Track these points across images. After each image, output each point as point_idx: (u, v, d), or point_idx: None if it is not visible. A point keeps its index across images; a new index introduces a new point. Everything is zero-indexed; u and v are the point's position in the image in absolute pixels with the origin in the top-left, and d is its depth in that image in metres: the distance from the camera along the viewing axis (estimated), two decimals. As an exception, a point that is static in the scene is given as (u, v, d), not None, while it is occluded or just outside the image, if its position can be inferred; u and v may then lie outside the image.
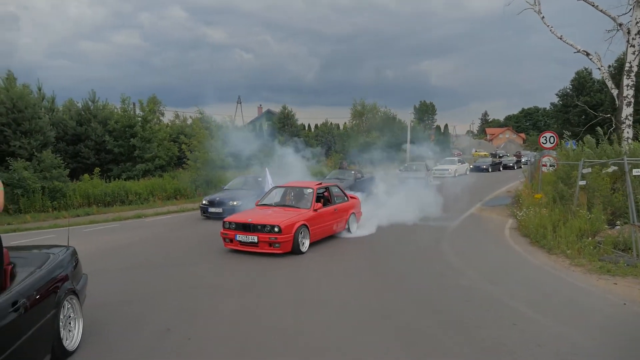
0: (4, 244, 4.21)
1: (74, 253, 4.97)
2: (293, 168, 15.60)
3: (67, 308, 4.41)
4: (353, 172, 18.60)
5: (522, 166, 36.12)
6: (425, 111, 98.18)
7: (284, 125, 42.67)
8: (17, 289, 3.66)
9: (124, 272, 7.72)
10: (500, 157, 46.03)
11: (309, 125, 51.56)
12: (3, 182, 13.64)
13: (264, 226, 8.54)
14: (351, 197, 11.35)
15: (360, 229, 11.17)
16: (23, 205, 14.96)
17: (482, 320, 5.34)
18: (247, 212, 9.54)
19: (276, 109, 47.48)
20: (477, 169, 35.35)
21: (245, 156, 18.23)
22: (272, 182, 11.20)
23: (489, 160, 40.01)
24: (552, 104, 44.16)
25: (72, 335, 4.45)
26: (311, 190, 9.99)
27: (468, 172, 32.75)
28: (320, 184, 10.71)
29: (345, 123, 48.47)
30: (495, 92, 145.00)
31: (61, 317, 4.22)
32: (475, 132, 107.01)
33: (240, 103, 67.90)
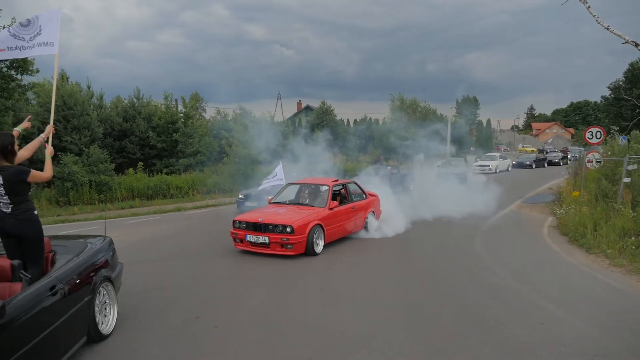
0: (49, 234, 4.55)
1: (111, 243, 5.27)
2: (325, 164, 15.67)
3: (103, 294, 4.70)
4: (389, 167, 18.46)
5: (568, 162, 34.80)
6: (468, 105, 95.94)
7: (322, 121, 42.88)
8: (55, 275, 3.95)
9: (159, 262, 8.08)
10: (545, 152, 44.47)
11: (347, 120, 51.59)
12: (55, 176, 14.36)
13: (275, 226, 8.22)
14: (370, 195, 10.95)
15: (390, 225, 10.91)
16: (72, 197, 15.81)
17: (507, 319, 5.27)
18: (259, 211, 9.25)
19: (315, 104, 47.68)
20: (520, 165, 34.31)
21: (281, 151, 18.48)
22: (284, 177, 10.83)
23: (533, 156, 38.72)
24: (603, 97, 42.12)
25: (107, 320, 4.74)
26: (327, 188, 9.62)
27: (510, 169, 31.85)
28: (337, 180, 10.26)
29: (384, 118, 48.16)
30: (543, 85, 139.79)
31: (97, 302, 4.51)
32: (521, 126, 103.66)
33: (281, 99, 68.58)
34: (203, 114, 40.85)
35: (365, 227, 10.37)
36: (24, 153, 4.43)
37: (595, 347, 4.50)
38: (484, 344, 4.59)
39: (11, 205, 4.12)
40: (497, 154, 32.91)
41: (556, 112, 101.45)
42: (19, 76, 16.29)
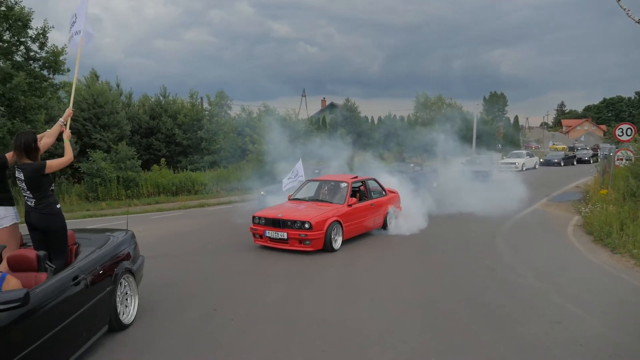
0: (73, 228, 4.74)
1: (133, 236, 5.45)
2: (348, 161, 15.70)
3: (124, 285, 4.88)
4: (412, 165, 18.34)
5: (598, 160, 33.84)
6: (495, 102, 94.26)
7: (346, 118, 42.83)
8: (78, 265, 4.13)
9: (181, 257, 8.27)
10: (575, 150, 43.34)
11: (372, 117, 51.37)
12: (84, 172, 14.77)
13: (294, 222, 8.32)
14: (390, 192, 10.92)
15: (410, 222, 10.91)
16: (101, 193, 16.28)
17: (524, 317, 5.23)
18: (278, 207, 9.32)
19: (340, 101, 47.66)
20: (548, 163, 33.55)
21: (304, 148, 18.58)
22: (303, 174, 10.89)
23: (562, 153, 37.78)
24: (637, 93, 40.85)
25: (129, 311, 4.92)
26: (346, 185, 9.65)
27: (537, 166, 31.19)
28: (356, 177, 10.27)
29: (409, 115, 47.79)
30: (574, 81, 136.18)
31: (118, 293, 4.68)
32: (550, 123, 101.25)
33: (305, 96, 68.83)
34: (228, 111, 41.43)
35: (385, 224, 10.38)
36: (47, 140, 4.61)
37: (612, 347, 4.43)
38: (498, 342, 4.57)
39: (34, 200, 4.33)
40: (524, 152, 32.25)
41: (588, 109, 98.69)
42: (51, 75, 16.88)
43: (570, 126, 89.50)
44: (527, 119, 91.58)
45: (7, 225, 4.43)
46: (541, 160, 33.77)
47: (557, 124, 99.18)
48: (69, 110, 4.99)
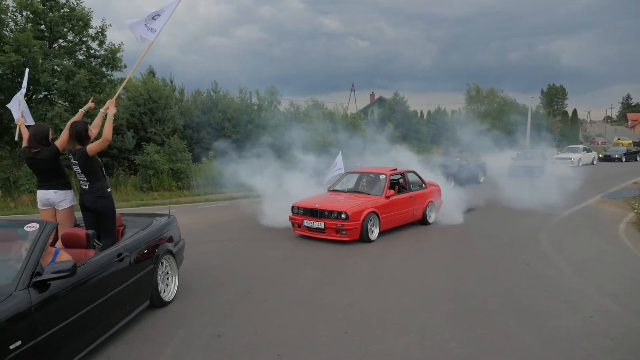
0: (121, 212, 5.16)
1: (174, 221, 5.81)
2: (394, 156, 15.65)
3: (165, 265, 5.24)
4: (457, 159, 18.05)
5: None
6: (554, 95, 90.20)
7: (394, 112, 42.48)
8: (122, 244, 4.51)
9: (223, 243, 8.67)
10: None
11: (421, 111, 50.64)
12: (139, 164, 15.61)
13: (330, 212, 8.49)
14: (430, 184, 10.87)
15: (451, 215, 10.83)
16: (153, 184, 17.14)
17: (556, 310, 5.15)
18: (316, 198, 9.45)
19: (389, 95, 47.32)
20: (607, 159, 31.84)
21: (349, 142, 18.66)
22: (343, 167, 11.01)
23: (623, 148, 35.68)
24: None
25: (169, 289, 5.28)
26: (384, 176, 9.70)
27: (595, 162, 29.72)
28: (395, 169, 10.26)
29: (459, 109, 46.74)
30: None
31: (159, 272, 5.05)
32: (615, 117, 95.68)
33: (354, 91, 68.77)
34: (278, 106, 42.18)
35: (424, 217, 10.36)
36: (93, 130, 5.02)
37: (645, 343, 4.32)
38: (525, 333, 4.56)
39: (88, 183, 4.78)
40: (581, 147, 30.76)
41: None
42: (109, 72, 17.93)
43: (637, 120, 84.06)
44: (588, 112, 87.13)
45: (66, 207, 4.91)
46: (600, 155, 32.12)
47: (622, 117, 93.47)
48: (111, 101, 5.29)
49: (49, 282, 3.34)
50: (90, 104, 5.43)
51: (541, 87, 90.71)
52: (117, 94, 5.86)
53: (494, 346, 4.28)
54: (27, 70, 6.45)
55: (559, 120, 51.43)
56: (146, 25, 5.80)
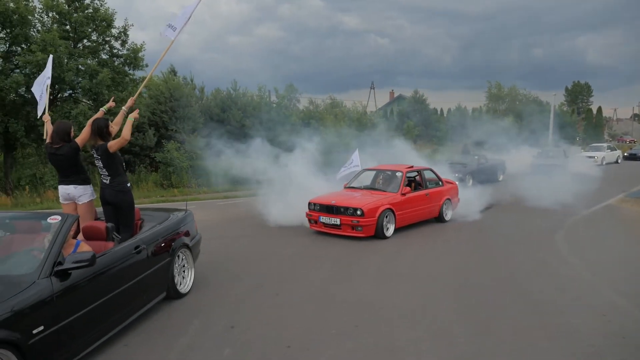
0: (140, 206, 5.35)
1: (191, 216, 5.98)
2: (408, 154, 15.62)
3: (182, 258, 5.41)
4: (476, 157, 17.91)
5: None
6: (578, 93, 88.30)
7: (414, 110, 42.26)
8: (140, 237, 4.69)
9: (239, 238, 8.85)
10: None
11: (441, 109, 50.24)
12: (160, 161, 15.91)
13: (346, 209, 8.59)
14: (447, 182, 10.89)
15: (471, 214, 10.81)
16: (174, 180, 17.47)
17: (568, 308, 5.15)
18: (333, 195, 9.54)
19: (408, 93, 47.08)
20: (633, 157, 31.08)
21: (369, 140, 18.69)
22: (359, 163, 11.07)
23: (650, 147, 34.82)
24: None
25: (185, 282, 5.45)
26: (400, 174, 9.74)
27: (620, 161, 29.09)
28: (412, 167, 10.30)
29: (480, 107, 46.21)
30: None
31: (176, 265, 5.21)
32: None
33: (374, 89, 68.59)
34: (297, 104, 42.39)
35: (441, 214, 10.37)
36: (114, 127, 5.21)
37: (657, 341, 4.29)
38: (534, 329, 4.58)
39: (109, 177, 4.98)
40: (604, 145, 30.13)
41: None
42: (131, 71, 18.32)
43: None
44: (614, 110, 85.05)
45: (86, 202, 5.11)
46: (625, 154, 31.40)
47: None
48: (131, 100, 5.49)
49: (69, 272, 3.52)
50: (110, 103, 5.63)
51: (565, 85, 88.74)
52: (138, 92, 6.05)
53: (502, 341, 4.31)
54: (50, 57, 6.35)
55: (582, 118, 50.32)
56: (169, 24, 5.97)
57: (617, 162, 28.61)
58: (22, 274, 3.37)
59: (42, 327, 3.19)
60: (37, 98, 6.07)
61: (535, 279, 6.26)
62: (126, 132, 5.01)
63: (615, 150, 29.95)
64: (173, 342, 4.23)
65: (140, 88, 6.55)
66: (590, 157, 26.44)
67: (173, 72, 26.63)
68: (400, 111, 47.39)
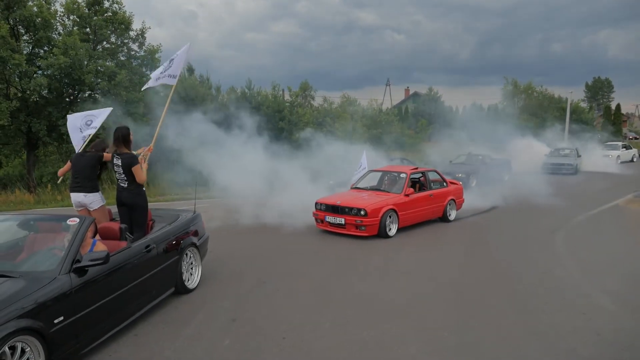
0: (152, 207, 5.79)
1: (199, 217, 6.39)
2: (416, 154, 15.87)
3: (190, 256, 5.83)
4: (480, 157, 18.01)
5: None
6: (599, 89, 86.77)
7: (428, 108, 42.28)
8: (151, 237, 5.11)
9: (247, 235, 9.29)
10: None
11: (456, 107, 50.04)
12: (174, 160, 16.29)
13: (351, 209, 8.96)
14: (451, 183, 11.19)
15: (472, 214, 11.05)
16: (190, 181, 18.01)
17: (551, 307, 5.41)
18: (339, 195, 9.95)
19: (424, 90, 47.08)
20: (650, 156, 30.73)
21: (382, 138, 18.99)
22: (367, 165, 11.41)
23: (668, 146, 34.29)
24: None
25: (193, 278, 5.87)
26: (404, 175, 10.06)
27: (636, 159, 28.81)
28: (416, 168, 10.66)
29: (496, 104, 45.89)
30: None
31: (184, 263, 5.63)
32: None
33: (389, 85, 68.50)
34: (312, 101, 42.78)
35: (444, 214, 10.64)
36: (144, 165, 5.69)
37: (630, 339, 4.57)
38: (516, 327, 4.87)
39: (127, 182, 5.44)
40: (620, 143, 29.82)
41: None
42: (148, 72, 18.90)
43: (689, 115, 79.85)
44: (637, 106, 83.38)
45: (97, 208, 5.63)
46: (641, 152, 31.06)
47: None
48: (149, 147, 5.89)
49: (86, 268, 3.95)
50: (147, 150, 5.91)
51: (586, 80, 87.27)
52: (154, 139, 6.28)
53: (483, 337, 4.62)
54: (108, 110, 6.56)
55: (600, 115, 49.59)
56: (168, 75, 6.50)
57: (632, 160, 28.36)
58: (44, 270, 3.81)
59: (62, 318, 3.62)
60: (76, 136, 6.21)
61: (526, 278, 6.54)
62: (141, 177, 5.45)
63: (631, 148, 29.66)
64: (178, 332, 4.64)
65: (156, 135, 6.50)
66: (605, 155, 26.27)
67: (190, 69, 27.34)
68: (415, 109, 47.42)
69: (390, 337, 4.61)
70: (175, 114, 12.20)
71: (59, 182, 8.94)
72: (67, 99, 17.64)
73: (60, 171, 6.24)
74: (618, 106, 52.81)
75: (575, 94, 45.65)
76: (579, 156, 22.87)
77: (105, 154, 5.69)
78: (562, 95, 43.08)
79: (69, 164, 5.84)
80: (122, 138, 5.44)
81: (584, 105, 50.04)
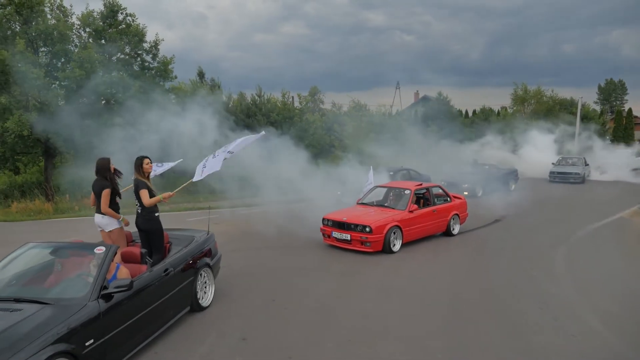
0: (167, 228, 6.20)
1: (212, 237, 6.81)
2: (424, 163, 16.15)
3: (204, 276, 6.24)
4: (486, 166, 18.24)
5: None
6: (612, 90, 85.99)
7: (437, 112, 42.37)
8: (169, 261, 5.54)
9: (254, 250, 9.67)
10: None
11: (466, 111, 50.04)
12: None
13: (356, 225, 9.30)
14: (455, 198, 11.49)
15: (476, 227, 11.32)
16: (201, 187, 18.48)
17: (542, 327, 5.73)
18: (345, 211, 10.27)
19: (435, 92, 47.17)
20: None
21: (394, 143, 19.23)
22: (373, 181, 11.73)
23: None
24: None
25: (206, 296, 6.28)
26: (409, 192, 10.40)
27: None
28: (421, 184, 10.95)
29: (505, 109, 45.91)
30: None
31: (198, 283, 6.05)
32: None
33: (399, 88, 68.60)
34: (321, 105, 43.16)
35: (448, 229, 10.96)
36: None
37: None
38: (504, 347, 5.19)
39: (140, 207, 5.84)
40: (630, 151, 29.75)
41: None
42: (161, 82, 19.40)
43: None
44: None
45: (112, 230, 5.96)
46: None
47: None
48: (170, 194, 6.05)
49: (112, 295, 4.37)
50: (170, 194, 6.06)
51: (598, 82, 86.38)
52: (178, 189, 6.50)
53: (472, 357, 4.97)
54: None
55: (612, 119, 49.22)
56: (228, 151, 6.75)
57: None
58: (75, 296, 4.23)
59: (92, 340, 4.04)
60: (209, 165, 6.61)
61: (522, 297, 6.86)
62: (151, 202, 5.78)
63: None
64: (194, 350, 5.05)
65: (180, 188, 6.69)
66: (634, 169, 26.17)
67: (201, 74, 27.96)
68: (425, 113, 47.51)
69: (385, 357, 4.98)
70: (188, 122, 12.64)
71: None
72: (83, 110, 18.18)
73: (91, 200, 6.37)
74: (630, 111, 52.35)
75: (587, 97, 45.35)
76: (586, 165, 22.96)
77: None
78: (574, 97, 42.91)
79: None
80: (135, 167, 5.87)
81: (595, 107, 49.51)
